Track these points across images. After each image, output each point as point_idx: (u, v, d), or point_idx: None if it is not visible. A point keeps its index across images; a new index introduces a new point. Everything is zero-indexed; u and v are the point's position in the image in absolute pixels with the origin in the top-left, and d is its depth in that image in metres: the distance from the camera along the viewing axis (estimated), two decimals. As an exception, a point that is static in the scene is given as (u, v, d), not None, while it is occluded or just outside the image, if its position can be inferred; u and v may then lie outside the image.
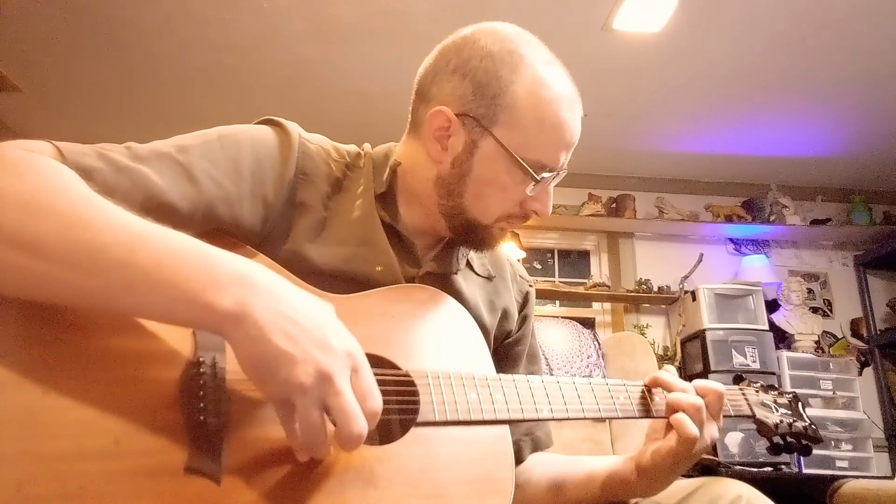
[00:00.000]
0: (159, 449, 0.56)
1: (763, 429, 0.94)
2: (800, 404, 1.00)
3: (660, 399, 0.87)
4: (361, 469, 0.65)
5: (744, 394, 0.96)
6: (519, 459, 0.98)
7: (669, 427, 0.83)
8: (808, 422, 0.97)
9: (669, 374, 0.87)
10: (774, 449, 0.95)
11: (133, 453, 0.55)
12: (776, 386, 1.02)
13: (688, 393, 0.84)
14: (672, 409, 0.83)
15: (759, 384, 0.99)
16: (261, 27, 2.82)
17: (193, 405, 0.58)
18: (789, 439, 0.94)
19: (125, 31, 2.85)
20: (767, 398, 0.98)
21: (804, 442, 0.95)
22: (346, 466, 0.64)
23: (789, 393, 1.01)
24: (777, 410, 0.96)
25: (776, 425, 0.94)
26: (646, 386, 0.87)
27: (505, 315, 0.97)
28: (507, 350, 1.00)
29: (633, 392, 0.86)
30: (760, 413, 0.95)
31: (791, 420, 0.96)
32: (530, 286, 1.05)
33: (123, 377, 0.57)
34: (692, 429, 0.80)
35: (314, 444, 0.57)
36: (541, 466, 0.98)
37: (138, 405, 0.56)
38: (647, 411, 0.86)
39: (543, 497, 0.94)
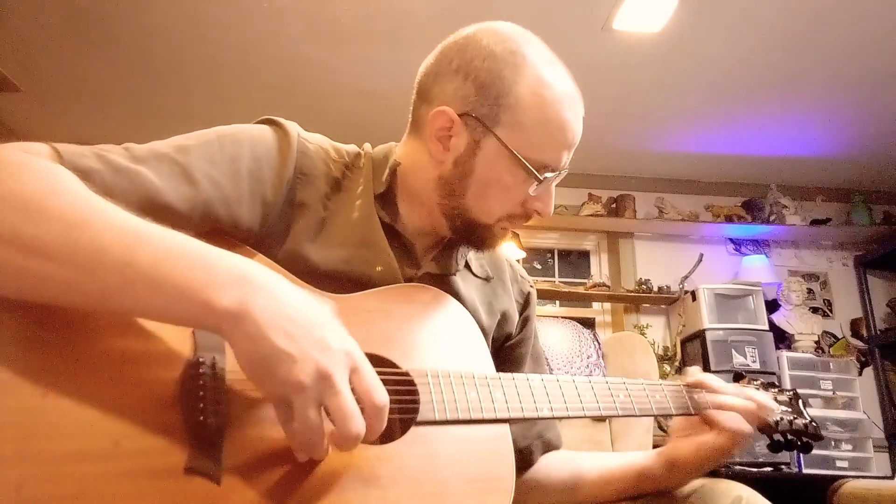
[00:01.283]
0: (159, 449, 0.56)
1: (763, 427, 0.94)
2: (800, 401, 1.00)
3: (698, 397, 0.90)
4: (362, 468, 0.65)
5: None
6: (530, 462, 0.98)
7: (706, 425, 0.88)
8: (809, 419, 0.97)
9: (713, 377, 0.93)
10: (774, 446, 0.94)
11: (133, 454, 0.55)
12: (776, 383, 1.02)
13: (733, 395, 0.90)
14: (719, 407, 0.88)
15: (758, 382, 0.99)
16: (261, 27, 2.82)
17: (193, 405, 0.58)
18: (789, 437, 0.94)
19: (125, 31, 2.85)
20: (767, 396, 0.98)
21: (805, 439, 0.95)
22: (347, 466, 0.64)
23: (789, 390, 1.01)
24: (777, 408, 0.96)
25: (776, 423, 0.94)
26: (686, 385, 0.91)
27: (504, 318, 0.97)
28: (509, 352, 1.00)
29: (669, 390, 0.90)
30: None
31: (791, 417, 0.96)
32: (531, 287, 1.05)
33: (123, 378, 0.57)
34: (746, 427, 0.86)
35: (311, 443, 0.57)
36: (557, 465, 0.99)
37: (138, 406, 0.56)
38: (686, 408, 0.89)
39: (563, 496, 0.95)
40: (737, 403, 0.88)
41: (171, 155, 0.71)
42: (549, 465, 0.99)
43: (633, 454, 0.93)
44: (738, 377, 1.01)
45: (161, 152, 0.71)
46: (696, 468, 0.88)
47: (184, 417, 0.58)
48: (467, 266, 0.95)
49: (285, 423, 0.58)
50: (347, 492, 0.63)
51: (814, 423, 0.97)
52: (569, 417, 0.80)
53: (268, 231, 0.78)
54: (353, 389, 0.57)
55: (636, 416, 0.87)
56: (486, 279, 0.97)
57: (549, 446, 1.00)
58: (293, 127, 0.83)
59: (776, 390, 1.00)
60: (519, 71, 0.81)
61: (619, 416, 0.88)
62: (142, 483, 0.54)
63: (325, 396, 0.55)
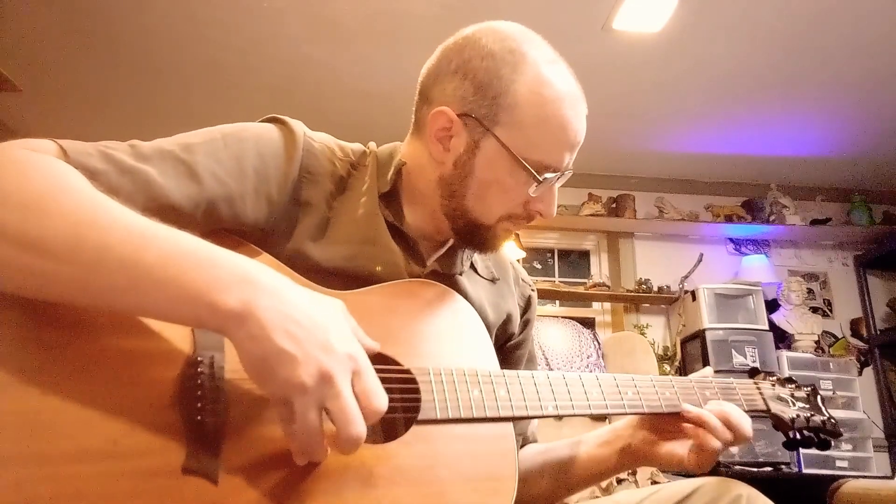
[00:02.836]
0: (157, 449, 0.56)
1: (779, 424, 0.91)
2: (818, 397, 0.97)
3: (710, 394, 0.89)
4: (361, 468, 0.65)
5: (759, 388, 0.95)
6: None
7: (682, 431, 0.87)
8: (827, 415, 0.94)
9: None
10: (791, 444, 0.92)
11: (131, 454, 0.55)
12: (793, 379, 0.99)
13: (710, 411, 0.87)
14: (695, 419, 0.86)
15: (775, 377, 0.97)
16: (261, 27, 2.82)
17: (191, 405, 0.58)
18: (806, 434, 0.92)
19: (125, 31, 2.85)
20: (784, 392, 0.96)
21: (822, 436, 0.93)
22: (346, 466, 0.64)
23: (807, 386, 0.98)
24: (794, 404, 0.94)
25: (793, 420, 0.92)
26: (696, 381, 0.91)
27: (508, 318, 0.98)
28: (508, 353, 1.00)
29: (679, 386, 0.88)
30: (776, 407, 0.92)
31: (809, 414, 0.93)
32: (532, 290, 1.05)
33: (122, 377, 0.57)
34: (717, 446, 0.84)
35: (310, 445, 0.57)
36: (529, 457, 1.00)
37: (136, 405, 0.56)
38: (697, 405, 0.87)
39: (538, 488, 0.97)
40: (711, 420, 0.84)
41: (177, 153, 0.71)
42: (522, 459, 0.99)
43: (595, 448, 0.94)
44: (753, 372, 0.98)
45: (166, 150, 0.71)
46: (653, 465, 0.90)
47: (182, 417, 0.58)
48: (472, 267, 0.95)
49: (286, 424, 0.57)
50: (346, 492, 0.63)
51: (832, 420, 0.94)
52: (574, 415, 0.80)
53: (272, 229, 0.77)
54: (353, 392, 0.57)
55: (644, 413, 0.85)
56: (492, 280, 0.97)
57: (526, 442, 1.02)
58: (299, 126, 0.83)
59: (793, 386, 0.98)
60: (518, 70, 0.80)
61: (626, 414, 0.86)
62: (140, 483, 0.54)
63: (326, 398, 0.55)
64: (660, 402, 0.85)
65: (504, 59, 0.80)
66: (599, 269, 3.94)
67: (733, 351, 3.28)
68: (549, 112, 0.80)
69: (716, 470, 2.66)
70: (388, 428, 0.71)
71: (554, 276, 3.97)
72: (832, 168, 3.86)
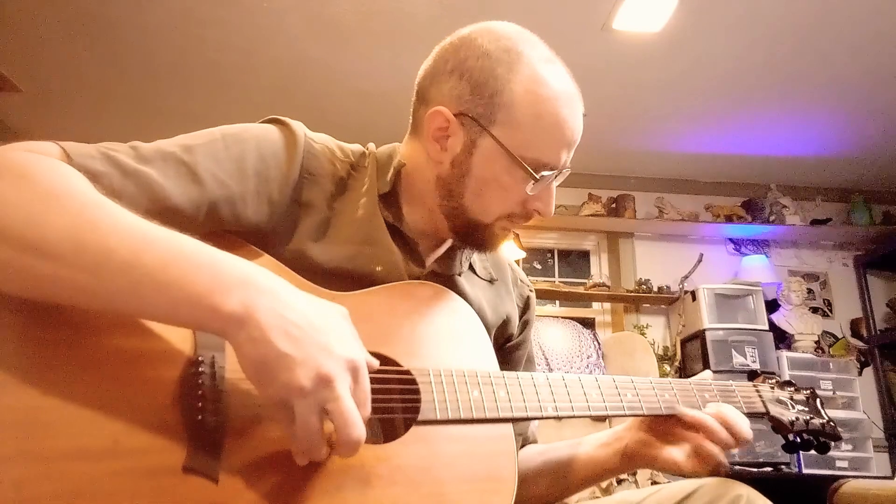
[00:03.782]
0: (158, 448, 0.56)
1: (778, 426, 0.92)
2: (818, 401, 0.98)
3: (710, 396, 0.90)
4: (360, 468, 0.65)
5: (758, 391, 0.95)
6: None
7: (681, 435, 0.86)
8: (827, 419, 0.95)
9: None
10: (790, 447, 0.92)
11: (131, 453, 0.55)
12: (793, 382, 0.99)
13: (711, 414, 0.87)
14: (693, 423, 0.86)
15: (774, 380, 0.97)
16: (261, 27, 2.82)
17: (192, 404, 0.58)
18: (806, 437, 0.92)
19: (125, 31, 2.85)
20: (783, 395, 0.96)
21: (822, 439, 0.93)
22: (345, 466, 0.64)
23: (807, 389, 0.99)
24: (793, 407, 0.94)
25: (792, 423, 0.92)
26: (695, 383, 0.91)
27: (507, 320, 0.98)
28: (507, 354, 1.00)
29: (679, 388, 0.88)
30: (775, 410, 0.93)
31: (808, 417, 0.94)
32: (531, 291, 1.05)
33: (123, 377, 0.57)
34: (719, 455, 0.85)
35: (310, 447, 0.57)
36: (527, 457, 1.00)
37: (137, 404, 0.56)
38: (697, 408, 0.87)
39: (536, 489, 0.97)
40: (710, 424, 0.84)
41: (178, 154, 0.71)
42: (522, 460, 0.99)
43: (594, 449, 0.95)
44: (752, 375, 0.99)
45: (167, 151, 0.71)
46: (652, 468, 0.91)
47: (183, 416, 0.58)
48: (471, 268, 0.95)
49: (286, 426, 0.58)
50: (345, 491, 0.63)
51: (831, 423, 0.94)
52: (573, 417, 0.80)
53: (273, 230, 0.77)
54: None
55: (643, 415, 0.86)
56: (491, 281, 0.97)
57: (526, 442, 1.02)
58: (299, 127, 0.83)
59: (792, 389, 0.98)
60: (513, 69, 0.80)
61: (625, 416, 0.86)
62: (140, 482, 0.54)
63: (325, 402, 0.55)
64: (658, 404, 0.86)
65: (500, 58, 0.81)
66: (599, 269, 3.95)
67: (733, 351, 3.28)
68: (546, 110, 0.80)
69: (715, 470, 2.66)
70: (388, 428, 0.71)
71: (554, 277, 3.97)
72: (832, 168, 3.86)
